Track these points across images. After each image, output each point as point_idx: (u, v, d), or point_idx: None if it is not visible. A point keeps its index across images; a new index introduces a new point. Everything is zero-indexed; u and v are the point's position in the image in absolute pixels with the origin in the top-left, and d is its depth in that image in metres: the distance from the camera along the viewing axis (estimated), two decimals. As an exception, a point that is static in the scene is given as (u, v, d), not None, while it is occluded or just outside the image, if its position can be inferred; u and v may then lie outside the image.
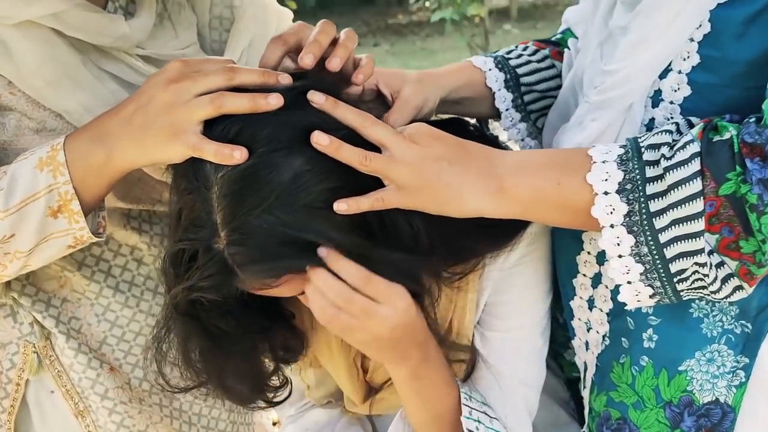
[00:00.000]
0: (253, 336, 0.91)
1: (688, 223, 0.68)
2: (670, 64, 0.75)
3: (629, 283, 0.72)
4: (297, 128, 0.74)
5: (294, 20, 0.99)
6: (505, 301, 0.93)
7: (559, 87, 0.98)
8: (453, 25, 5.96)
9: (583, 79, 0.86)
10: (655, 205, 0.69)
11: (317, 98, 0.75)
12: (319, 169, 0.73)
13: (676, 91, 0.76)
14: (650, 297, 0.74)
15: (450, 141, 0.77)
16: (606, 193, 0.70)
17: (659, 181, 0.69)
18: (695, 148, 0.67)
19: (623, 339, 0.86)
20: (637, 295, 0.74)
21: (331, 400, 1.12)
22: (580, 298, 0.91)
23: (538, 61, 1.03)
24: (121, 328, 1.02)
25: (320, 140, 0.73)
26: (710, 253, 0.69)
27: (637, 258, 0.71)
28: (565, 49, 1.00)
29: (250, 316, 0.88)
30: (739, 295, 0.72)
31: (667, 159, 0.69)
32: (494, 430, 0.89)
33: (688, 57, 0.74)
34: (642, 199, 0.69)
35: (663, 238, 0.69)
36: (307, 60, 0.78)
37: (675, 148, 0.69)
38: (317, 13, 7.32)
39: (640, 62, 0.76)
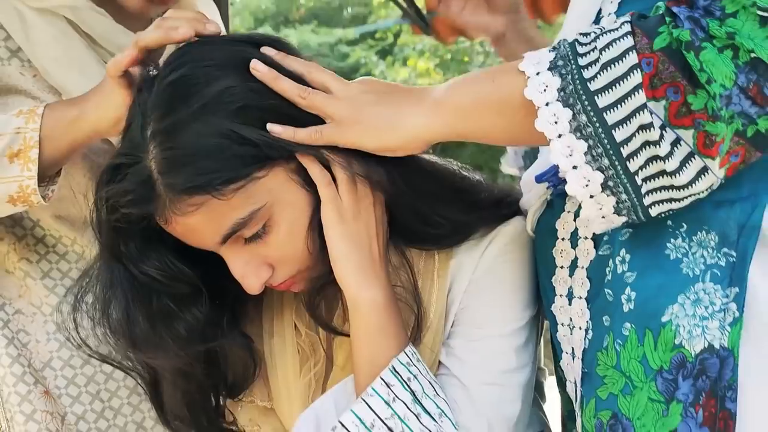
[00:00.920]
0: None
1: (625, 81, 0.63)
2: (600, 12, 0.76)
3: (575, 168, 0.66)
4: (234, 55, 0.77)
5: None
6: (475, 307, 0.86)
7: None
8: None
9: None
10: (588, 72, 0.65)
11: (261, 63, 0.76)
12: (249, 88, 0.75)
13: None
14: (614, 208, 0.67)
15: (388, 83, 0.81)
16: (538, 73, 0.67)
17: (591, 52, 0.66)
18: (625, 19, 0.67)
19: (604, 318, 0.76)
20: (600, 209, 0.68)
21: None
22: (560, 296, 0.83)
23: None
24: (70, 350, 0.99)
25: (258, 67, 0.75)
26: (662, 127, 0.63)
27: (578, 134, 0.65)
28: None
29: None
30: (706, 182, 0.64)
31: (597, 35, 0.68)
32: (431, 398, 0.80)
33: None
34: (575, 70, 0.66)
35: (601, 102, 0.64)
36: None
37: (605, 29, 0.68)
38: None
39: (571, 20, 0.78)
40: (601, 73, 0.65)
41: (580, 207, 0.73)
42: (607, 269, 0.76)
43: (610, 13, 0.77)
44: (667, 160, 0.63)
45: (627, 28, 0.65)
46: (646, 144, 0.64)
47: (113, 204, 0.76)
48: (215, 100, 0.74)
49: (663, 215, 0.68)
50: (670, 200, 0.67)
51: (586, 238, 0.79)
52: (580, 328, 0.80)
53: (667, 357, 0.69)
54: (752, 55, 0.61)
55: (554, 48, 0.70)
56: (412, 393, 0.78)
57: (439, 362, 0.87)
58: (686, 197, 0.66)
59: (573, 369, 0.82)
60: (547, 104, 0.66)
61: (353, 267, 0.79)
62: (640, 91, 0.63)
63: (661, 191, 0.66)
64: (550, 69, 0.67)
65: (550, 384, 0.99)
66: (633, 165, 0.65)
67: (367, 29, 9.17)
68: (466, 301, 0.86)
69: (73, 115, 0.86)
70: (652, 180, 0.66)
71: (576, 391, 0.81)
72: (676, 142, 0.63)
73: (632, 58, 0.63)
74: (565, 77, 0.66)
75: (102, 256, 0.81)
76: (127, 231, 0.78)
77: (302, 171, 0.78)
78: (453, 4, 1.13)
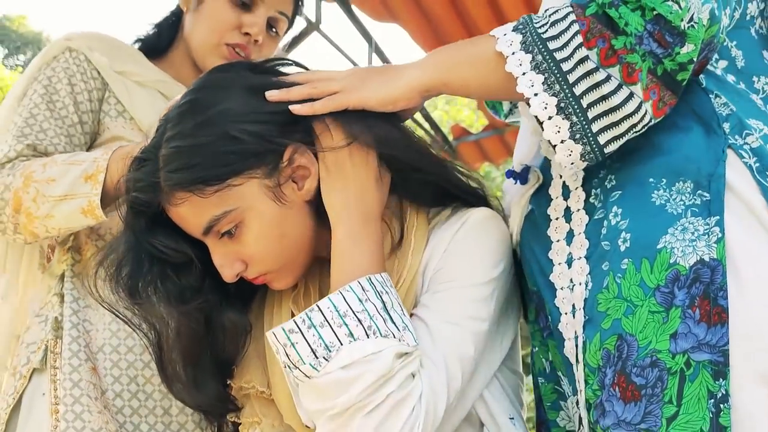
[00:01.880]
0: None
1: (567, 32, 0.82)
2: None
3: (536, 95, 0.83)
4: (241, 82, 0.95)
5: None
6: (446, 268, 0.95)
7: None
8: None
9: None
10: (542, 30, 0.85)
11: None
12: (245, 109, 0.92)
13: None
14: (580, 156, 0.83)
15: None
16: (505, 34, 0.87)
17: (543, 19, 0.86)
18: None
19: (603, 265, 0.87)
20: (570, 154, 0.84)
21: None
22: (558, 264, 0.93)
23: None
24: (119, 339, 1.17)
25: (272, 95, 0.93)
26: (596, 69, 0.81)
27: (536, 70, 0.83)
28: None
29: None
30: (633, 104, 0.80)
31: (548, 13, 0.87)
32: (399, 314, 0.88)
33: None
34: (532, 29, 0.85)
35: (552, 45, 0.83)
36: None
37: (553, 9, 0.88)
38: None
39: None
40: (551, 28, 0.84)
41: (566, 189, 0.93)
42: (602, 228, 0.89)
43: None
44: (602, 85, 0.81)
45: (568, 6, 0.85)
46: (587, 74, 0.81)
47: (129, 187, 0.95)
48: (213, 118, 0.91)
49: (613, 150, 0.84)
50: (613, 126, 0.82)
51: (578, 210, 0.93)
52: (580, 284, 0.90)
53: (662, 276, 0.80)
54: (654, 12, 0.79)
55: (516, 23, 0.90)
56: (383, 303, 0.88)
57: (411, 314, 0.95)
58: (623, 120, 0.82)
59: (573, 324, 0.91)
60: (513, 53, 0.85)
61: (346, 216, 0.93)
62: (578, 36, 0.82)
63: (604, 117, 0.82)
64: (514, 30, 0.87)
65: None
66: (578, 89, 0.82)
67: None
68: (440, 264, 0.96)
69: (133, 152, 1.06)
70: (596, 105, 0.81)
71: (576, 342, 0.90)
72: (607, 78, 0.81)
73: (571, 18, 0.83)
74: (525, 34, 0.86)
75: (122, 228, 0.97)
76: (139, 209, 0.94)
77: (276, 187, 0.92)
78: None
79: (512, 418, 0.99)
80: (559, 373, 0.99)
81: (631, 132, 0.83)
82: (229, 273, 0.94)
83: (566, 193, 0.95)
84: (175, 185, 0.90)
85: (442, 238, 0.97)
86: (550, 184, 0.97)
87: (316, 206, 0.95)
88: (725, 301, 0.76)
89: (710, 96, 0.87)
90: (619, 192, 0.88)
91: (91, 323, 1.18)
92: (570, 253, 0.92)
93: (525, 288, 1.04)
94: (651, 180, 0.86)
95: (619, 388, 0.81)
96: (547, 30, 0.84)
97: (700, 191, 0.82)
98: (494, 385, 0.99)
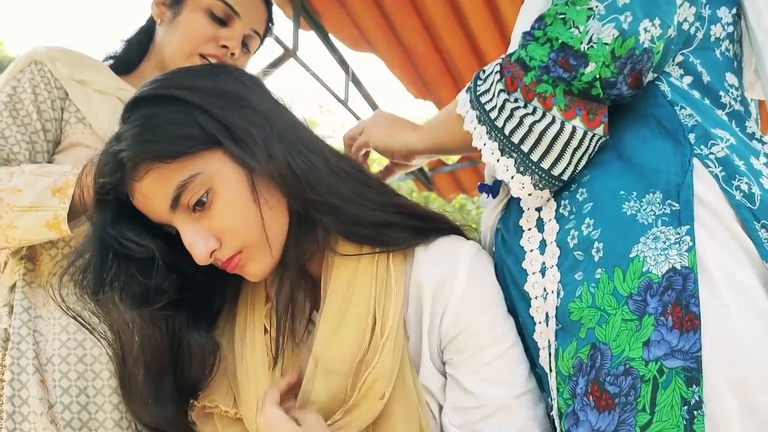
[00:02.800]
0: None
1: (492, 86, 0.93)
2: None
3: (485, 144, 0.93)
4: (208, 73, 0.98)
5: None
6: (466, 326, 0.93)
7: None
8: None
9: None
10: (479, 89, 0.96)
11: None
12: (204, 92, 0.93)
13: None
14: (533, 186, 0.90)
15: (390, 115, 1.20)
16: (462, 96, 0.99)
17: (481, 77, 0.97)
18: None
19: (576, 275, 0.88)
20: (522, 187, 0.92)
21: None
22: (533, 273, 0.94)
23: None
24: (69, 349, 1.15)
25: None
26: (525, 106, 0.89)
27: (479, 122, 0.94)
28: None
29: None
30: (555, 128, 0.87)
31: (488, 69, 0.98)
32: None
33: None
34: (473, 88, 0.97)
35: (483, 99, 0.94)
36: None
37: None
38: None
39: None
40: (483, 83, 0.96)
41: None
42: (569, 238, 0.90)
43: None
44: (525, 118, 0.89)
45: (499, 60, 0.95)
46: (511, 114, 0.90)
47: (95, 175, 0.93)
48: (176, 95, 0.92)
49: (567, 171, 0.91)
50: (548, 151, 0.89)
51: (550, 220, 0.95)
52: (552, 292, 0.91)
53: (635, 284, 0.81)
54: (559, 41, 0.86)
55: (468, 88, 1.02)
56: None
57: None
58: (554, 142, 0.88)
59: (546, 333, 0.91)
60: (466, 113, 0.97)
61: None
62: (499, 84, 0.92)
63: (537, 145, 0.89)
64: (466, 91, 0.98)
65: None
66: (507, 129, 0.90)
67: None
68: (456, 323, 0.93)
69: None
70: (526, 138, 0.89)
71: (550, 350, 0.90)
72: (534, 111, 0.89)
73: (497, 69, 0.94)
74: (469, 93, 0.97)
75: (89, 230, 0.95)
76: (105, 202, 0.93)
77: (240, 154, 0.91)
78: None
79: None
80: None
81: (570, 149, 0.89)
82: (202, 250, 0.91)
83: (540, 207, 0.97)
84: (137, 156, 0.89)
85: (426, 280, 0.95)
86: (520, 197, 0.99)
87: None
88: (697, 308, 0.76)
89: (675, 108, 0.89)
90: (591, 204, 0.90)
91: (41, 334, 1.17)
92: (543, 262, 0.93)
93: None
94: (622, 192, 0.88)
95: (593, 397, 0.81)
96: (481, 85, 0.95)
97: (669, 201, 0.84)
98: None
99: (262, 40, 1.47)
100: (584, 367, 0.83)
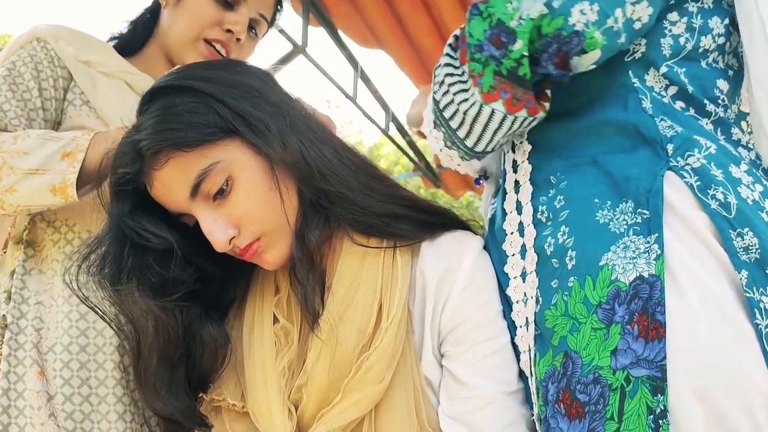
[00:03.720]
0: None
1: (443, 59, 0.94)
2: None
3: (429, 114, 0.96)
4: (226, 67, 0.99)
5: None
6: (465, 319, 0.94)
7: None
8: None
9: None
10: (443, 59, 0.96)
11: None
12: (220, 85, 0.94)
13: None
14: (452, 151, 0.94)
15: None
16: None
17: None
18: None
19: (552, 282, 0.88)
20: (451, 160, 0.95)
21: None
22: (514, 278, 0.95)
23: None
24: (71, 337, 1.12)
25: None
26: (466, 81, 0.90)
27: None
28: None
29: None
30: (475, 107, 0.88)
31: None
32: None
33: None
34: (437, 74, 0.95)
35: (437, 96, 0.93)
36: None
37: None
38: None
39: None
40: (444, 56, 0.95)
41: (519, 205, 0.96)
42: (546, 244, 0.91)
43: None
44: (457, 95, 0.90)
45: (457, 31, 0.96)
46: (448, 89, 0.91)
47: (114, 165, 0.93)
48: (191, 86, 0.93)
49: (489, 149, 0.94)
50: (482, 136, 0.91)
51: (528, 225, 0.95)
52: (531, 298, 0.92)
53: (604, 292, 0.82)
54: (496, 17, 0.85)
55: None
56: None
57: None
58: (485, 130, 0.90)
59: (527, 338, 0.92)
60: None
61: None
62: (450, 65, 0.92)
63: (471, 131, 0.91)
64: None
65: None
66: (441, 104, 0.92)
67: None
68: (454, 317, 0.94)
69: (113, 137, 1.07)
70: (454, 117, 0.91)
71: (530, 354, 0.91)
72: (469, 88, 0.89)
73: (449, 48, 0.95)
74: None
75: (107, 221, 0.96)
76: (124, 193, 0.93)
77: (258, 142, 0.93)
78: None
79: None
80: None
81: (491, 130, 0.90)
82: (221, 238, 0.92)
83: (519, 208, 0.97)
84: (157, 145, 0.90)
85: (430, 271, 0.97)
86: (505, 199, 0.99)
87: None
88: (663, 316, 0.76)
89: (656, 119, 0.89)
90: (567, 212, 0.90)
91: (42, 321, 1.14)
92: (524, 267, 0.94)
93: None
94: (596, 200, 0.88)
95: (564, 405, 0.82)
96: (436, 69, 0.95)
97: (640, 209, 0.84)
98: None
99: (270, 25, 1.43)
100: (556, 374, 0.83)
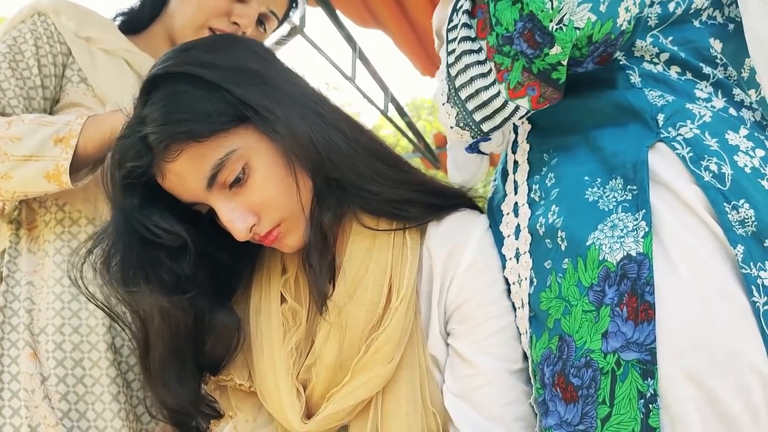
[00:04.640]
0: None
1: (456, 28, 0.86)
2: None
3: (441, 92, 0.88)
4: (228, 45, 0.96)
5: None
6: (470, 297, 0.94)
7: None
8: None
9: None
10: (449, 34, 0.88)
11: None
12: (226, 71, 0.91)
13: None
14: (463, 131, 0.87)
15: None
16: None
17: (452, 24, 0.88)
18: None
19: (546, 263, 0.86)
20: (461, 138, 0.88)
21: None
22: (510, 259, 0.93)
23: None
24: (63, 318, 1.11)
25: None
26: (485, 61, 0.83)
27: (444, 76, 0.88)
28: None
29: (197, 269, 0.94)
30: (499, 101, 0.83)
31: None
32: None
33: None
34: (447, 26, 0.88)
35: (450, 35, 0.87)
36: None
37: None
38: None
39: None
40: (456, 15, 0.87)
41: (516, 185, 0.94)
42: (538, 225, 0.89)
43: None
44: (477, 80, 0.83)
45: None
46: (467, 67, 0.84)
47: (120, 159, 0.90)
48: (192, 73, 0.89)
49: (493, 130, 0.88)
50: (489, 118, 0.85)
51: (523, 204, 0.93)
52: (525, 279, 0.90)
53: (595, 273, 0.79)
54: (529, 8, 0.78)
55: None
56: None
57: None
58: (505, 122, 0.85)
59: (523, 320, 0.90)
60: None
61: None
62: (464, 28, 0.85)
63: (492, 118, 0.85)
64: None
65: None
66: (458, 82, 0.85)
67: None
68: (459, 295, 0.94)
69: (108, 122, 1.07)
70: (472, 98, 0.85)
71: (527, 335, 0.89)
72: (489, 72, 0.83)
73: (466, 15, 0.85)
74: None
75: (111, 214, 0.93)
76: (131, 187, 0.90)
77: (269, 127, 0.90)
78: None
79: None
80: None
81: (510, 121, 0.86)
82: (242, 227, 0.90)
83: (516, 188, 0.95)
84: (168, 137, 0.87)
85: (437, 250, 0.96)
86: (506, 180, 0.98)
87: None
88: (652, 296, 0.74)
89: (644, 90, 0.86)
90: (557, 190, 0.88)
91: (33, 302, 1.13)
92: (517, 248, 0.92)
93: None
94: (586, 178, 0.85)
95: (560, 388, 0.80)
96: (450, 45, 0.86)
97: (629, 186, 0.81)
98: None
99: (280, 22, 1.41)
100: (552, 357, 0.82)
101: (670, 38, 0.89)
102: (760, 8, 0.84)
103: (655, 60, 0.89)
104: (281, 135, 0.90)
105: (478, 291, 0.94)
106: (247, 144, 0.90)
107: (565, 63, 0.79)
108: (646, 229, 0.77)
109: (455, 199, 1.02)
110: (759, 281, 0.74)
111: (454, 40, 0.86)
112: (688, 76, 0.89)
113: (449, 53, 0.86)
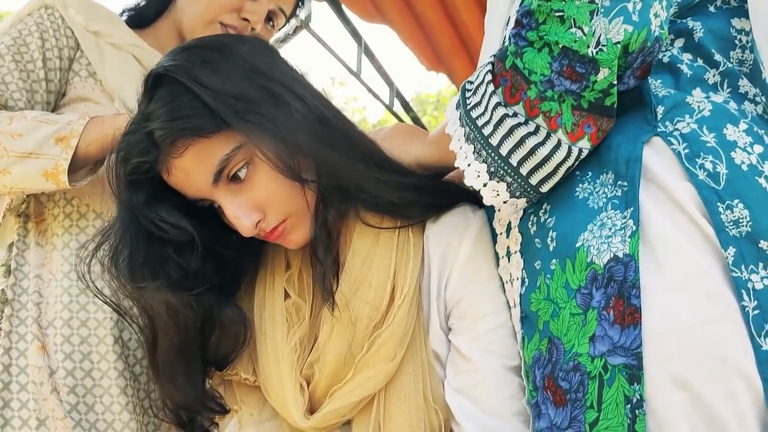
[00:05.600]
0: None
1: (484, 98, 0.81)
2: (509, 19, 0.88)
3: (469, 165, 0.82)
4: (229, 47, 0.95)
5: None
6: (468, 293, 0.94)
7: None
8: None
9: None
10: (468, 99, 0.83)
11: None
12: (228, 72, 0.91)
13: None
14: (508, 192, 0.82)
15: (409, 126, 1.13)
16: (453, 123, 0.86)
17: (471, 89, 0.84)
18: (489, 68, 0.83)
19: (536, 264, 0.85)
20: (497, 195, 0.82)
21: None
22: (502, 257, 0.93)
23: None
24: (71, 312, 1.11)
25: None
26: (525, 122, 0.79)
27: (468, 140, 0.82)
28: None
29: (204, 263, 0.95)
30: (562, 152, 0.78)
31: (476, 74, 0.84)
32: None
33: None
34: (463, 101, 0.84)
35: (474, 113, 0.82)
36: None
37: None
38: None
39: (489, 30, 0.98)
40: (474, 95, 0.83)
41: None
42: (530, 223, 0.87)
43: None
44: (528, 139, 0.78)
45: (489, 62, 0.83)
46: (510, 132, 0.79)
47: (125, 155, 0.90)
48: (195, 69, 0.90)
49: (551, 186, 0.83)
50: (550, 175, 0.81)
51: None
52: (517, 279, 0.89)
53: (582, 276, 0.78)
54: (560, 45, 0.74)
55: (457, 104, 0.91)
56: None
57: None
58: (559, 167, 0.80)
59: (516, 319, 0.89)
60: (455, 131, 0.85)
61: None
62: (495, 96, 0.80)
63: (538, 169, 0.80)
64: (456, 107, 0.86)
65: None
66: (503, 150, 0.80)
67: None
68: (456, 292, 0.94)
69: (110, 123, 1.06)
70: (527, 160, 0.79)
71: (520, 335, 0.88)
72: (537, 129, 0.78)
73: (488, 78, 0.81)
74: (459, 108, 0.85)
75: (117, 210, 0.93)
76: (137, 183, 0.91)
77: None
78: None
79: None
80: None
81: (569, 170, 0.82)
82: (247, 223, 0.91)
83: None
84: (174, 134, 0.87)
85: (437, 246, 0.97)
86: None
87: None
88: (638, 300, 0.72)
89: (648, 78, 0.83)
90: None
91: (41, 295, 1.13)
92: (508, 246, 0.91)
93: None
94: (577, 173, 0.83)
95: (550, 391, 0.79)
96: (471, 98, 0.83)
97: (620, 181, 0.79)
98: None
99: (287, 20, 1.42)
100: (542, 359, 0.81)
101: (696, 21, 0.87)
102: None
103: (669, 47, 0.86)
104: (285, 134, 0.89)
105: (474, 287, 0.94)
106: (253, 138, 0.89)
107: (616, 83, 0.76)
108: (634, 228, 0.75)
109: (457, 197, 1.01)
110: (749, 285, 0.71)
111: (479, 107, 0.82)
112: (700, 62, 0.86)
113: (483, 126, 0.81)
